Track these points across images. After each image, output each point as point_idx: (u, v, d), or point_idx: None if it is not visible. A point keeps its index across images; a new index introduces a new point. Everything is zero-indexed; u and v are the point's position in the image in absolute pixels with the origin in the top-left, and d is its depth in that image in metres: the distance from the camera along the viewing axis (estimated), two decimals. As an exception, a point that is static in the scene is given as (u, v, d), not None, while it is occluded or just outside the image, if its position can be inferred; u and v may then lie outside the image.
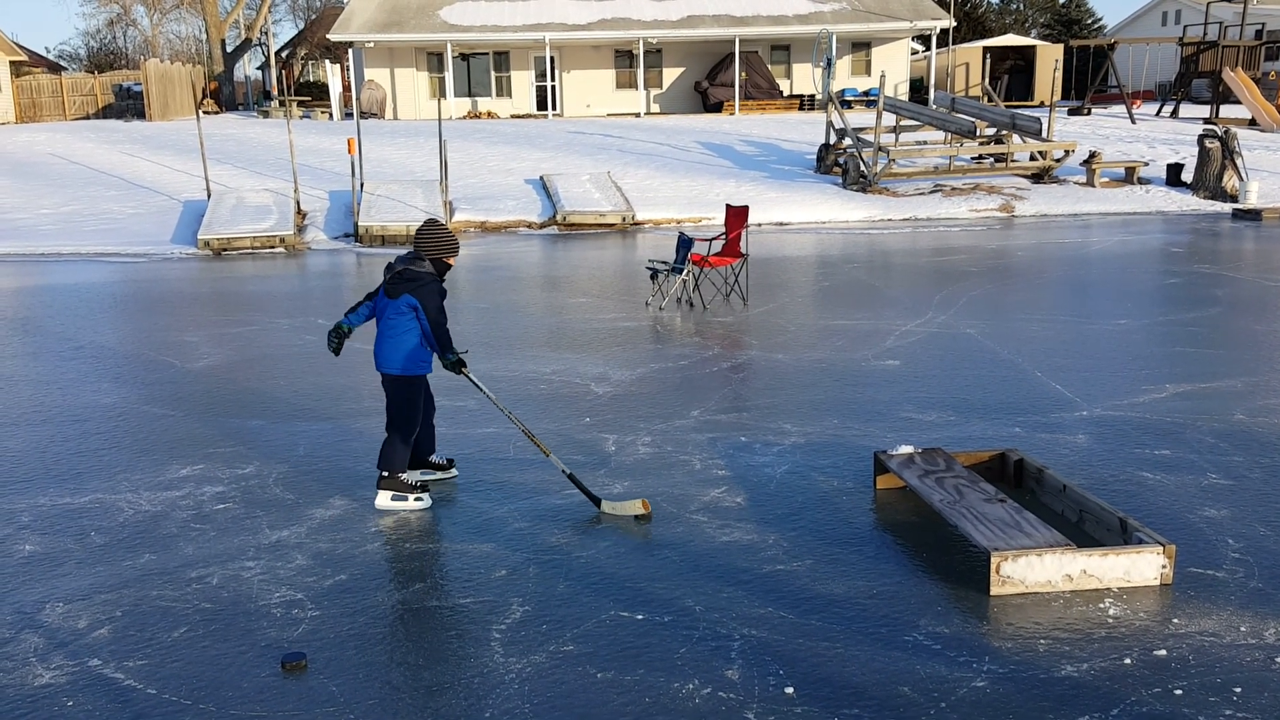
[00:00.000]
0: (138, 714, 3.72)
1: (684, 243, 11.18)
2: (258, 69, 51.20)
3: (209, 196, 18.83)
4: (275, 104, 32.73)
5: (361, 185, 18.73)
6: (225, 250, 16.72)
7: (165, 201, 19.74)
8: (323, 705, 3.75)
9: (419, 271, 5.44)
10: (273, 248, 16.88)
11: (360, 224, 17.30)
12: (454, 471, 6.02)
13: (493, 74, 34.70)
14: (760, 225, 18.20)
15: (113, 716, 3.71)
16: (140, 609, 4.50)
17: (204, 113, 31.83)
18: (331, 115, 31.53)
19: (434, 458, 5.97)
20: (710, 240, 11.79)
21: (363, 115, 30.27)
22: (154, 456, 6.50)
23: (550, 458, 5.63)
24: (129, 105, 34.66)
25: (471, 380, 5.68)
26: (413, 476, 5.74)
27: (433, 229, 5.53)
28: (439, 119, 20.16)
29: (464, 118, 32.01)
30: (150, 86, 31.08)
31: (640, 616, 4.36)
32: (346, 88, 35.13)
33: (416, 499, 5.56)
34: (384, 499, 5.54)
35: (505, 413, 5.76)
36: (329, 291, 12.92)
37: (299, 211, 18.36)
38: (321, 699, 3.79)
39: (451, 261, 5.58)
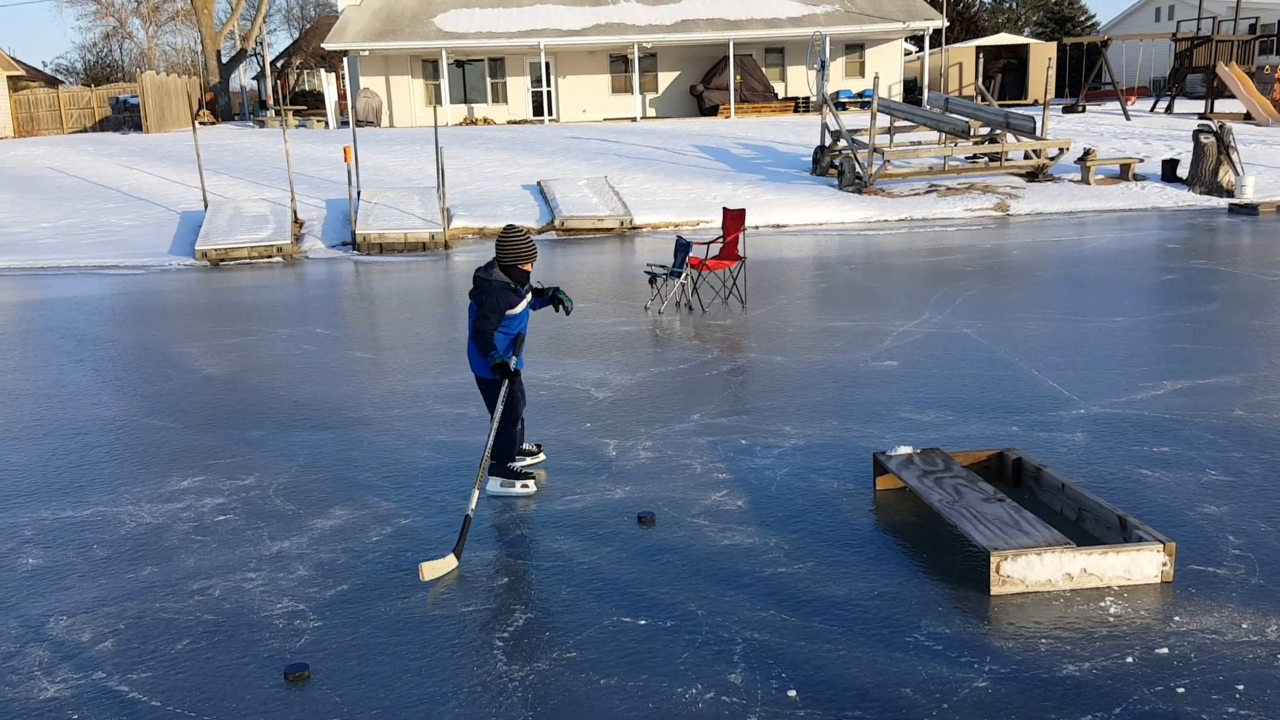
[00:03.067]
0: (142, 727, 3.73)
1: (682, 246, 11.20)
2: (253, 79, 51.28)
3: (206, 207, 18.85)
4: (271, 114, 32.77)
5: (358, 193, 18.75)
6: (223, 260, 16.73)
7: (163, 213, 19.76)
8: (326, 716, 3.76)
9: (484, 277, 5.63)
10: (270, 257, 16.90)
11: (358, 232, 17.32)
12: (541, 456, 6.30)
13: (488, 80, 34.76)
14: (757, 228, 18.22)
15: (117, 730, 3.72)
16: (143, 621, 4.50)
17: (200, 124, 31.86)
18: (327, 124, 31.57)
19: (525, 445, 6.26)
20: (708, 243, 11.81)
21: (359, 123, 30.31)
22: (155, 469, 6.51)
23: (474, 492, 5.27)
24: (126, 118, 34.69)
25: (503, 390, 5.57)
26: (519, 464, 5.95)
27: (505, 235, 5.67)
28: (435, 126, 20.18)
29: (460, 124, 32.06)
30: (146, 99, 31.11)
31: (643, 622, 4.37)
32: (342, 96, 35.17)
33: (523, 485, 5.83)
34: (494, 484, 5.85)
35: (490, 430, 5.56)
36: (327, 300, 12.94)
37: (296, 221, 18.38)
38: (325, 709, 3.80)
39: (526, 267, 5.66)
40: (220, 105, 38.50)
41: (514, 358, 5.63)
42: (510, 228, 5.72)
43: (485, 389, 5.78)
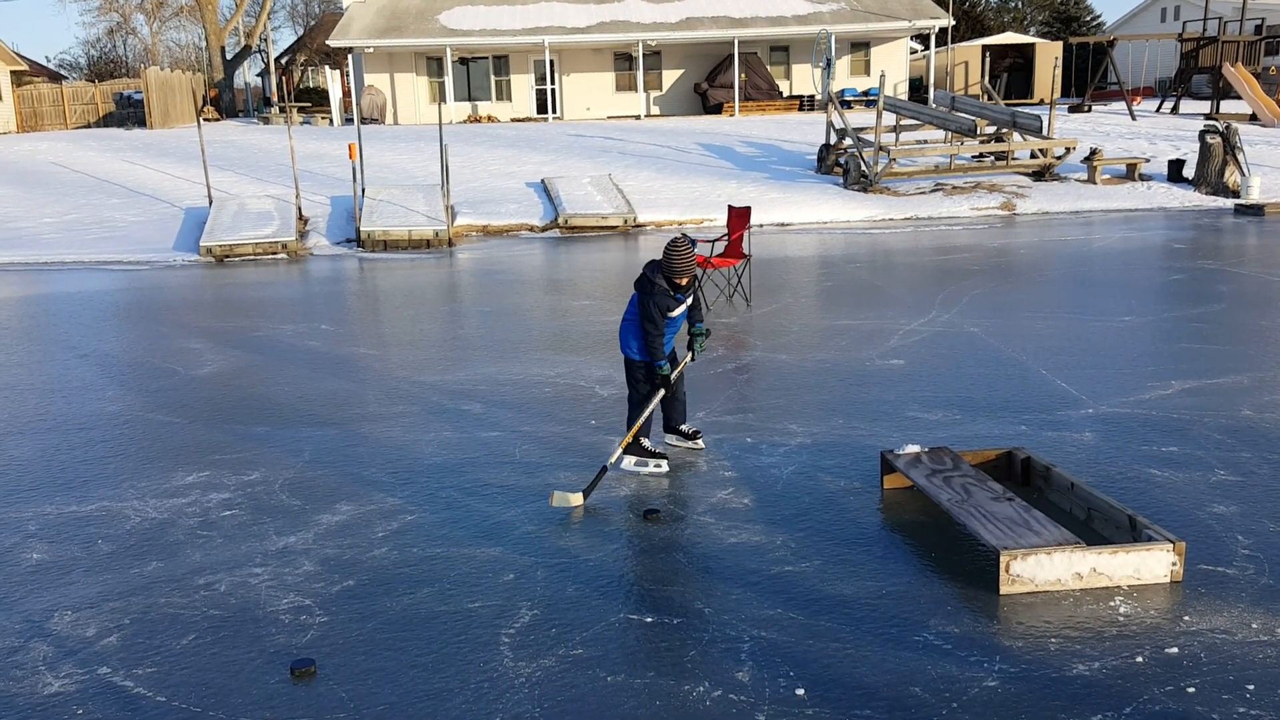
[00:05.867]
0: (148, 722, 3.71)
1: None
2: (258, 75, 51.25)
3: (210, 203, 18.84)
4: (275, 110, 32.76)
5: (363, 190, 18.73)
6: (227, 257, 16.72)
7: (167, 209, 19.75)
8: (332, 711, 3.75)
9: (650, 278, 5.92)
10: (275, 254, 16.88)
11: (362, 229, 17.30)
12: (700, 444, 6.41)
13: (492, 78, 34.73)
14: (762, 226, 18.19)
15: (123, 725, 3.70)
16: (148, 616, 4.49)
17: (204, 120, 31.85)
18: (332, 121, 31.56)
19: (684, 427, 6.43)
20: (713, 241, 11.78)
21: (363, 120, 30.30)
22: (160, 464, 6.50)
23: (618, 451, 5.93)
24: (130, 113, 34.69)
25: (654, 398, 6.01)
26: (652, 444, 6.17)
27: (671, 248, 5.92)
28: (439, 123, 20.17)
29: (464, 122, 32.03)
30: (151, 94, 31.11)
31: (649, 619, 4.35)
32: (346, 93, 35.15)
33: (656, 464, 6.06)
34: (628, 462, 6.09)
35: (643, 416, 5.99)
36: (332, 297, 12.93)
37: (300, 217, 18.36)
38: (331, 705, 3.79)
39: (681, 282, 5.93)
40: (224, 102, 38.51)
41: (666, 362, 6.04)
42: (675, 241, 5.96)
43: (629, 369, 6.15)
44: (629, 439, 6.02)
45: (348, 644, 4.21)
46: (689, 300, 6.10)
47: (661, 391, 6.03)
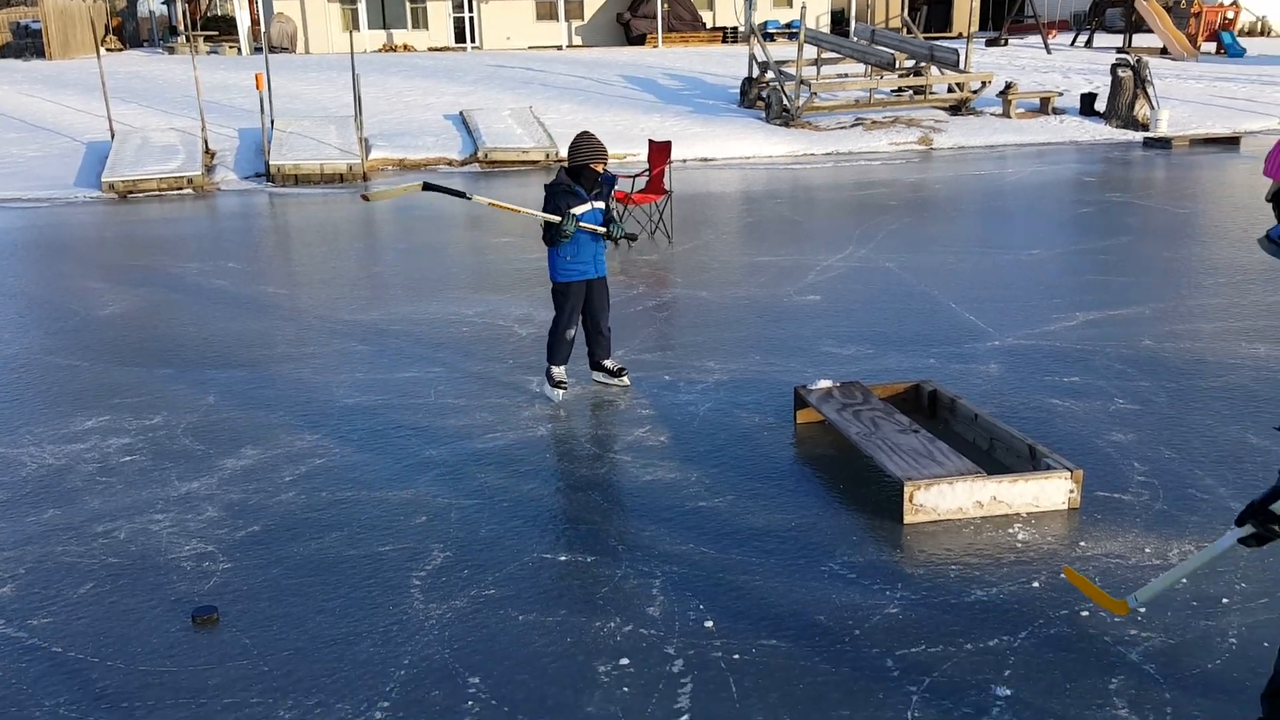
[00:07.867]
0: (43, 673, 3.62)
1: (607, 180, 11.03)
2: (162, 3, 49.02)
3: (113, 137, 18.07)
4: (181, 39, 31.42)
5: (272, 122, 18.13)
6: (131, 193, 16.10)
7: (68, 143, 18.90)
8: (235, 659, 3.69)
9: (548, 184, 6.00)
10: (180, 189, 16.30)
11: (271, 163, 16.77)
12: (625, 380, 6.42)
13: (408, 5, 33.73)
14: (685, 161, 18.06)
15: (17, 676, 3.60)
16: (44, 565, 4.36)
17: (106, 50, 30.41)
18: (240, 50, 30.39)
19: (607, 363, 6.42)
20: (634, 177, 11.66)
21: (272, 50, 29.24)
22: (58, 408, 6.28)
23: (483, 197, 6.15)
24: (28, 44, 32.97)
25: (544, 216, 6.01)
26: (562, 373, 6.27)
27: (576, 138, 6.00)
28: (352, 52, 19.53)
29: (379, 51, 31.12)
30: (49, 24, 29.57)
31: (563, 558, 4.36)
32: (255, 21, 33.86)
33: (554, 389, 6.21)
34: (537, 383, 6.40)
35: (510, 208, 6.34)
36: (240, 233, 12.55)
37: (207, 151, 17.73)
38: (234, 652, 3.73)
39: (598, 168, 5.95)
40: (128, 31, 36.83)
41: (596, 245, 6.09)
42: (583, 132, 6.04)
43: (553, 293, 6.20)
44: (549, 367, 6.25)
45: (252, 590, 4.13)
46: (600, 205, 6.04)
47: (558, 306, 6.09)
